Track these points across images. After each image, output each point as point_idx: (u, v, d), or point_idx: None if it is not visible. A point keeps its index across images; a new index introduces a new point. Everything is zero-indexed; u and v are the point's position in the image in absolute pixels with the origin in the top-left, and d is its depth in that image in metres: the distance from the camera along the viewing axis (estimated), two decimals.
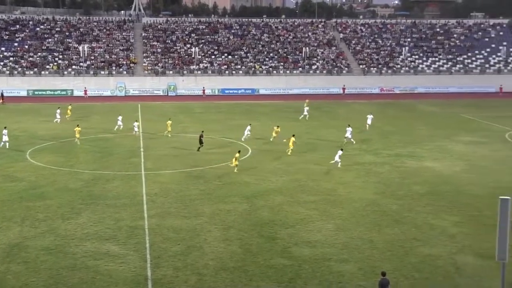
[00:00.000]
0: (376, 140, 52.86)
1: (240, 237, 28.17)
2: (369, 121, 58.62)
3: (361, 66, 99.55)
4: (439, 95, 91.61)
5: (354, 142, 50.23)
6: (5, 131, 49.27)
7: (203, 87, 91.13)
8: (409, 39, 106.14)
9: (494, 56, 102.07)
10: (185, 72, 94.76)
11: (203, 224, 30.01)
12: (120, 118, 57.98)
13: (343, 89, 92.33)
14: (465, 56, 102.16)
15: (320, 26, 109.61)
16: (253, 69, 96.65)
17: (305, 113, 66.14)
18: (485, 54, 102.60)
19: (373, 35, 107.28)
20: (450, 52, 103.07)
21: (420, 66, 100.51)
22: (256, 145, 50.37)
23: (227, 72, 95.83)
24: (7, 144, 48.70)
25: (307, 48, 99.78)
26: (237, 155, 41.10)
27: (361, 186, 37.58)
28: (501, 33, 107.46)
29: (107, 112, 70.99)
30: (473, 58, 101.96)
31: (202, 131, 49.93)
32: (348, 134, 50.58)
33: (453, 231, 29.33)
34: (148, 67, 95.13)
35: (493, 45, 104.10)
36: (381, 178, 39.78)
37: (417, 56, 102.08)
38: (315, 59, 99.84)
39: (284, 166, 43.06)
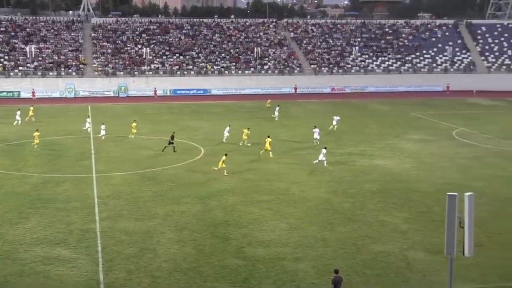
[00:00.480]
0: (328, 139, 53.37)
1: (194, 238, 28.06)
2: (334, 122, 58.51)
3: (312, 66, 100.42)
4: (389, 94, 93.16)
5: (317, 143, 49.87)
6: None
7: (155, 88, 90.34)
8: (359, 39, 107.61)
9: (441, 55, 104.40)
10: (136, 73, 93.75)
11: (156, 226, 29.76)
12: (88, 120, 57.24)
13: (295, 88, 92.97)
14: (413, 56, 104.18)
15: (271, 26, 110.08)
16: (204, 69, 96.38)
17: (276, 113, 66.28)
18: (432, 53, 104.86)
19: (323, 35, 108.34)
20: (399, 52, 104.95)
21: (370, 65, 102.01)
22: (208, 146, 50.21)
23: (178, 72, 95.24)
24: None
25: (259, 48, 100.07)
26: (224, 158, 40.38)
27: (313, 185, 37.90)
28: (447, 33, 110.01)
29: (57, 114, 69.63)
30: (421, 58, 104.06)
31: (174, 132, 49.83)
32: (316, 136, 50.55)
33: (403, 227, 29.88)
34: (98, 68, 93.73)
35: (439, 45, 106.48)
36: (333, 177, 40.21)
37: (367, 56, 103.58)
38: (267, 59, 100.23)
39: (236, 166, 43.06)
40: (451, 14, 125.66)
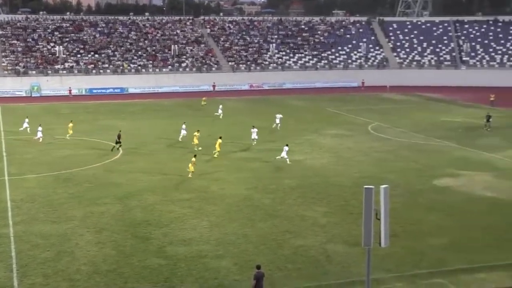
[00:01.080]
0: (247, 136, 53.64)
1: (114, 239, 27.56)
2: (277, 121, 58.06)
3: (230, 63, 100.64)
4: (306, 90, 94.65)
5: (255, 144, 49.71)
6: None
7: (69, 87, 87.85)
8: (276, 36, 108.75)
9: (355, 52, 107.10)
10: (49, 72, 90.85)
11: (74, 228, 29.01)
12: (26, 120, 54.93)
13: (213, 86, 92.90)
14: (329, 52, 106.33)
15: (188, 23, 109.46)
16: (121, 67, 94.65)
17: (220, 111, 65.87)
18: (347, 50, 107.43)
19: (241, 32, 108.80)
20: (315, 49, 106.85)
21: (288, 62, 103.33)
22: (127, 145, 49.36)
23: (94, 71, 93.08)
24: None
25: (176, 46, 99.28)
26: (193, 159, 39.49)
27: (234, 182, 38.04)
28: (360, 30, 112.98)
29: None
30: (337, 54, 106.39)
31: (120, 131, 48.85)
32: (254, 136, 49.71)
33: (323, 221, 30.50)
34: (8, 67, 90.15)
35: (354, 42, 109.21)
36: (253, 173, 40.50)
37: (284, 53, 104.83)
38: (184, 56, 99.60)
39: (156, 165, 42.63)
40: (364, 12, 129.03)
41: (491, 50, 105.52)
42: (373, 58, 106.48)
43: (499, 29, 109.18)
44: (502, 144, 51.16)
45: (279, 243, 27.32)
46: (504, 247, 26.98)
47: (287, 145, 44.09)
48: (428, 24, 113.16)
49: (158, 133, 53.83)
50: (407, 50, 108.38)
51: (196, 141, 47.51)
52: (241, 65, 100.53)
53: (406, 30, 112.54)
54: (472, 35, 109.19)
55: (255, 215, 31.35)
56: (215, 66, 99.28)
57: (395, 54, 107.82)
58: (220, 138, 46.27)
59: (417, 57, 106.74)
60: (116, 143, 47.26)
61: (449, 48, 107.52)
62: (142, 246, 26.76)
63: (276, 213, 31.79)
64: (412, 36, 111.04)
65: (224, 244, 27.16)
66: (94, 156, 45.21)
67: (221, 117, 65.19)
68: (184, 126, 52.12)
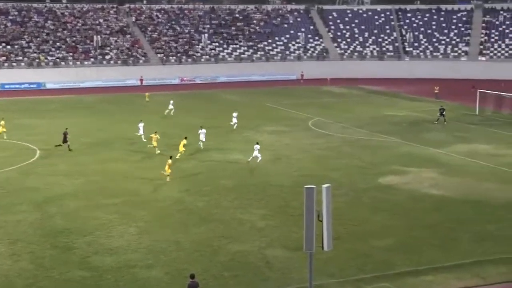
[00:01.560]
0: (179, 133, 53.22)
1: (31, 251, 26.79)
2: (235, 120, 56.67)
3: (159, 55, 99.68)
4: (241, 84, 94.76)
5: (202, 147, 48.54)
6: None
7: None
8: (208, 26, 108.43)
9: (293, 42, 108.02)
10: None
11: None
12: None
13: (141, 80, 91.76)
14: (265, 43, 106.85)
15: (111, 12, 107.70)
16: (37, 60, 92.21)
17: (170, 106, 64.97)
18: (285, 40, 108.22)
19: (170, 21, 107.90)
20: (251, 39, 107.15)
21: (221, 54, 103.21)
22: (45, 146, 48.14)
23: (6, 64, 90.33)
24: None
25: (99, 36, 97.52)
26: (169, 161, 38.41)
27: (165, 184, 37.67)
28: (298, 19, 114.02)
29: None
30: (274, 45, 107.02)
31: (66, 128, 47.77)
32: (202, 137, 47.94)
33: (261, 224, 30.58)
34: None
35: (292, 32, 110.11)
36: (186, 174, 40.22)
37: (217, 44, 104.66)
38: (108, 48, 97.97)
39: (78, 167, 41.76)
40: (298, 0, 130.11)
41: (434, 40, 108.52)
42: (312, 49, 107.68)
43: (442, 18, 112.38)
44: (447, 139, 52.65)
45: (215, 250, 27.21)
46: (451, 247, 27.75)
47: (257, 143, 43.76)
48: (370, 13, 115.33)
49: (80, 132, 52.72)
50: (348, 40, 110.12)
51: (154, 143, 45.78)
52: (170, 58, 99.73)
53: (346, 19, 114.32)
54: (415, 24, 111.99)
55: (188, 220, 31.13)
56: (143, 58, 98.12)
57: (335, 44, 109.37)
58: (186, 138, 45.01)
59: (358, 48, 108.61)
60: (64, 142, 46.39)
61: (392, 38, 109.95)
62: (63, 257, 26.12)
63: (211, 217, 31.66)
64: (353, 25, 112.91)
65: (155, 252, 26.83)
66: (7, 159, 43.86)
67: (172, 113, 64.41)
68: (141, 125, 51.24)
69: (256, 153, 42.75)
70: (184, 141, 44.41)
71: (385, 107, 71.51)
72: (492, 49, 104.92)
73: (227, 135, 53.41)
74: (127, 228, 29.86)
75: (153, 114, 63.81)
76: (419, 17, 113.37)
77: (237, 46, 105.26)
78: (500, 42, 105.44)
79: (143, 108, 69.38)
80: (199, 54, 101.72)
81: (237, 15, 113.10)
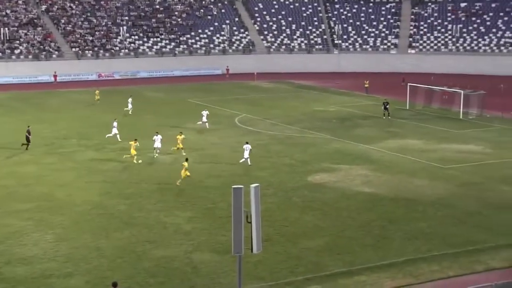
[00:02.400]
0: (97, 133, 52.53)
1: None
2: (204, 118, 56.08)
3: (74, 49, 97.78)
4: (163, 79, 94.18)
5: (157, 155, 47.41)
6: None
7: None
8: (126, 18, 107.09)
9: (218, 35, 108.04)
10: None
11: None
12: None
13: (55, 76, 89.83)
14: (188, 36, 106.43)
15: (20, 2, 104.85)
16: None
17: (130, 105, 64.03)
18: (209, 33, 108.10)
19: (85, 13, 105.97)
20: (172, 32, 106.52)
21: (141, 47, 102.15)
22: None
23: None
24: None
25: (6, 29, 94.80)
26: (185, 164, 37.48)
27: (83, 188, 37.13)
28: (223, 10, 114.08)
29: None
30: (197, 38, 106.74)
31: (28, 126, 47.52)
32: (157, 144, 45.36)
33: (187, 228, 30.57)
34: None
35: (216, 24, 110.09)
36: (106, 176, 39.76)
37: (136, 37, 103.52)
38: (18, 42, 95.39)
39: None
40: None
41: (363, 32, 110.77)
42: (238, 42, 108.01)
43: (370, 10, 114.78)
44: (379, 134, 53.94)
45: (138, 255, 27.04)
46: (383, 246, 28.51)
47: (247, 142, 43.61)
48: (297, 4, 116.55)
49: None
50: (275, 33, 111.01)
51: (133, 151, 43.11)
52: (87, 52, 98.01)
53: (273, 10, 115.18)
54: (343, 16, 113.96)
55: (109, 225, 30.79)
56: (56, 53, 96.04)
57: (262, 37, 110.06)
58: (181, 133, 46.24)
59: (286, 41, 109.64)
60: (27, 140, 46.62)
61: (320, 30, 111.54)
62: None
63: (134, 221, 31.43)
64: (280, 17, 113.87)
65: (74, 260, 26.44)
66: None
67: (130, 112, 63.57)
68: (115, 124, 50.58)
69: (246, 153, 42.54)
70: (182, 136, 45.54)
71: (315, 102, 72.56)
72: (421, 41, 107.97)
73: (147, 134, 52.88)
74: (42, 235, 29.29)
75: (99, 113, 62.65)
76: (347, 8, 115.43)
77: (158, 39, 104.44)
78: (429, 35, 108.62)
79: (101, 106, 67.82)
80: (117, 48, 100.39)
81: (157, 7, 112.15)
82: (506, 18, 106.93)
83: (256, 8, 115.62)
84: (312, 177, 39.92)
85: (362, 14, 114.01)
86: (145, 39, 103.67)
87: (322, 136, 52.21)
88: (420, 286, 24.72)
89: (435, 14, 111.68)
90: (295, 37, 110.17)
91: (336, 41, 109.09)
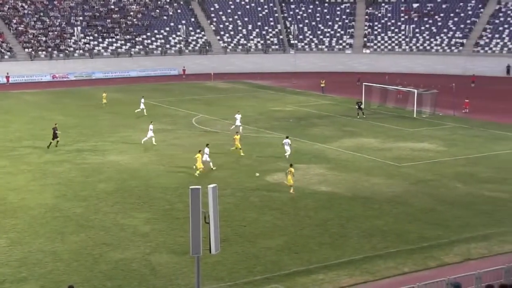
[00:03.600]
0: (49, 134, 51.76)
1: None
2: (238, 122, 54.15)
3: (26, 49, 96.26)
4: (119, 80, 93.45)
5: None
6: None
7: None
8: (81, 18, 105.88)
9: (174, 35, 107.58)
10: None
11: None
12: None
13: (7, 78, 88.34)
14: (144, 36, 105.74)
15: None
16: None
17: (142, 106, 63.45)
18: (165, 33, 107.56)
19: (37, 13, 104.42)
20: (128, 32, 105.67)
21: (96, 48, 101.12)
22: None
23: None
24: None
25: None
26: (292, 169, 36.56)
27: (37, 190, 36.57)
28: (178, 10, 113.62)
29: None
30: (153, 38, 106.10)
31: (56, 124, 47.49)
32: (206, 158, 42.69)
33: (145, 229, 30.35)
34: None
35: (172, 24, 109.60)
36: (61, 178, 39.23)
37: (91, 37, 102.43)
38: None
39: None
40: None
41: (319, 32, 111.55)
42: (194, 43, 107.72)
43: (326, 10, 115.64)
44: (335, 134, 54.36)
45: (95, 258, 26.74)
46: (340, 244, 28.74)
47: (287, 137, 44.87)
48: (253, 4, 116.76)
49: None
50: (232, 33, 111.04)
51: (200, 164, 40.01)
52: (40, 53, 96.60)
53: (229, 10, 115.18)
54: (299, 16, 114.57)
55: (65, 228, 30.39)
56: (8, 53, 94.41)
57: (218, 37, 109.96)
58: (237, 133, 46.42)
59: (242, 41, 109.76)
60: (53, 138, 47.07)
61: (276, 30, 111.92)
62: None
63: (90, 223, 31.08)
64: (236, 17, 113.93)
65: (28, 264, 26.01)
66: None
67: (145, 112, 62.73)
68: (151, 127, 49.16)
69: (287, 147, 43.75)
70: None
71: (272, 102, 72.78)
72: (375, 41, 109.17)
73: (104, 135, 52.49)
74: None
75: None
76: (303, 9, 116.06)
77: (113, 39, 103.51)
78: (383, 35, 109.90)
79: (109, 109, 66.51)
80: (72, 49, 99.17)
81: (112, 7, 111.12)
82: (456, 19, 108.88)
83: (212, 9, 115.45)
84: (270, 177, 40.00)
85: (318, 14, 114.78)
86: (100, 40, 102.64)
87: (279, 135, 52.33)
88: (376, 283, 25.00)
89: (389, 15, 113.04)
90: (251, 37, 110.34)
91: (292, 41, 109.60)
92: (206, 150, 41.76)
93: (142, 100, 64.39)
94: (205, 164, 40.78)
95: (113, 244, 28.39)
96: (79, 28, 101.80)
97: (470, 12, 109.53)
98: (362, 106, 63.06)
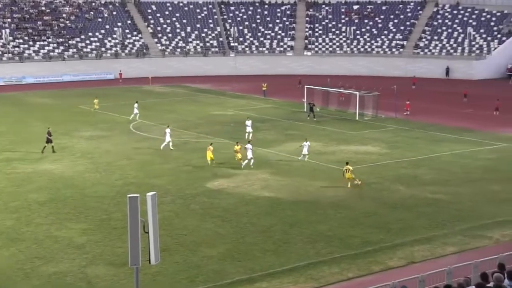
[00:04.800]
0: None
1: None
2: (249, 128, 53.72)
3: None
4: (52, 85, 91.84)
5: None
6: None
7: None
8: (9, 20, 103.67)
9: (110, 38, 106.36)
10: None
11: None
12: None
13: None
14: (78, 39, 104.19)
15: None
16: None
17: (136, 111, 62.47)
18: (100, 36, 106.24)
19: None
20: (61, 35, 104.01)
21: (27, 51, 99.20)
22: None
23: None
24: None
25: None
26: (349, 167, 39.23)
27: None
28: (114, 12, 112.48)
29: None
30: (87, 41, 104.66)
31: (49, 127, 48.05)
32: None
33: (81, 240, 29.84)
34: None
35: (107, 26, 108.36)
36: None
37: (21, 40, 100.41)
38: None
39: None
40: None
41: (260, 34, 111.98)
42: (131, 45, 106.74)
43: (266, 12, 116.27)
44: (277, 137, 54.60)
45: (27, 273, 26.14)
46: (284, 250, 28.82)
47: (307, 140, 45.94)
48: (191, 6, 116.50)
49: None
50: (170, 35, 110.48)
51: (239, 155, 44.23)
52: None
53: (166, 12, 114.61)
54: (239, 18, 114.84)
55: None
56: None
57: (156, 40, 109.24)
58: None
59: (181, 44, 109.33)
60: (48, 142, 47.32)
61: (216, 32, 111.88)
62: None
63: (22, 236, 30.40)
64: (174, 19, 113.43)
65: None
66: None
67: (138, 117, 62.05)
68: (168, 130, 49.77)
69: (305, 149, 44.99)
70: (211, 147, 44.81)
71: (212, 106, 72.68)
72: (317, 43, 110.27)
73: (36, 143, 51.39)
74: None
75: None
76: (243, 10, 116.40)
77: (45, 43, 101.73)
78: (324, 37, 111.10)
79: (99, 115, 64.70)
80: (0, 53, 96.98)
81: (43, 8, 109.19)
82: (396, 21, 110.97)
83: (149, 10, 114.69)
84: (210, 183, 39.89)
85: (258, 16, 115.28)
86: (30, 43, 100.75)
87: (221, 140, 52.26)
88: None
89: (329, 16, 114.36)
90: (190, 39, 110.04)
91: (232, 44, 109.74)
92: (249, 145, 44.02)
93: (136, 105, 63.51)
94: (244, 157, 43.37)
95: (46, 257, 27.80)
96: (7, 30, 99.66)
97: (409, 14, 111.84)
98: (316, 109, 63.56)
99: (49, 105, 73.38)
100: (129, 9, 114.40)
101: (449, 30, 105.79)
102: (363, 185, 39.18)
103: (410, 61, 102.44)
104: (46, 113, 66.85)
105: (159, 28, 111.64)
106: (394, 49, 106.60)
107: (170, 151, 48.48)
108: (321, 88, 71.08)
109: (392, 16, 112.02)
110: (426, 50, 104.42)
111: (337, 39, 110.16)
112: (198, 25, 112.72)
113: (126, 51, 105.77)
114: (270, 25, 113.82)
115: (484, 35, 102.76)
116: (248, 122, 54.73)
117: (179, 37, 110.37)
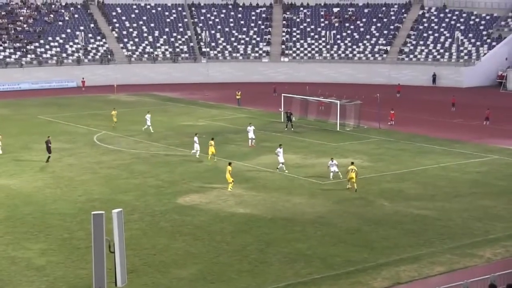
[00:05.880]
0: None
1: None
2: (251, 134, 55.83)
3: None
4: (8, 93, 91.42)
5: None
6: None
7: None
8: None
9: (71, 43, 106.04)
10: None
11: None
12: None
13: None
14: (36, 44, 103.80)
15: None
16: None
17: (148, 123, 61.97)
18: (61, 41, 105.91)
19: None
20: (17, 39, 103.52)
21: None
22: None
23: None
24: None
25: None
26: (354, 167, 41.45)
27: None
28: (76, 15, 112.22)
29: None
30: (47, 46, 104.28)
31: (48, 136, 49.23)
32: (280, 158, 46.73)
33: (41, 262, 29.65)
34: None
35: (68, 30, 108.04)
36: None
37: None
38: None
39: None
40: None
41: (233, 39, 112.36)
42: (94, 51, 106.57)
43: (240, 15, 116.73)
44: (252, 150, 54.72)
45: None
46: (261, 271, 28.85)
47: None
48: (159, 9, 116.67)
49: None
50: (136, 40, 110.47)
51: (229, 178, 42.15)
52: None
53: (133, 15, 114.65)
54: (211, 22, 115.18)
55: None
56: None
57: (121, 45, 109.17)
58: (212, 139, 49.57)
59: (148, 49, 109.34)
60: (49, 151, 48.85)
61: (186, 37, 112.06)
62: None
63: None
64: (141, 23, 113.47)
65: None
66: None
67: (152, 129, 61.80)
68: (196, 139, 50.72)
69: (335, 168, 44.23)
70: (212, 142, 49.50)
71: (182, 116, 72.72)
72: (294, 49, 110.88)
73: None
74: None
75: None
76: (215, 13, 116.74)
77: (1, 48, 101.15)
78: (302, 42, 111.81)
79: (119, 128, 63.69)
80: None
81: None
82: (379, 24, 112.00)
83: (114, 13, 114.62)
84: (181, 198, 39.88)
85: (231, 20, 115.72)
86: None
87: (191, 153, 52.27)
88: None
89: (308, 20, 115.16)
90: (158, 44, 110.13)
91: (203, 49, 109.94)
92: (279, 150, 46.40)
93: (148, 116, 62.96)
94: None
95: (3, 280, 27.60)
96: None
97: (393, 17, 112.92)
98: (293, 118, 63.89)
99: (5, 115, 72.87)
100: (92, 11, 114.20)
101: (436, 35, 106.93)
102: (352, 190, 40.57)
103: (394, 68, 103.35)
104: (1, 124, 66.32)
105: (124, 32, 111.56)
106: (377, 55, 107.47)
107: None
108: (299, 96, 71.35)
109: (374, 20, 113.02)
110: (411, 56, 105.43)
111: (316, 44, 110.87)
112: (166, 29, 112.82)
113: (89, 57, 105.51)
114: (244, 29, 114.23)
115: (472, 40, 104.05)
116: (250, 128, 56.16)
117: (146, 42, 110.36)
